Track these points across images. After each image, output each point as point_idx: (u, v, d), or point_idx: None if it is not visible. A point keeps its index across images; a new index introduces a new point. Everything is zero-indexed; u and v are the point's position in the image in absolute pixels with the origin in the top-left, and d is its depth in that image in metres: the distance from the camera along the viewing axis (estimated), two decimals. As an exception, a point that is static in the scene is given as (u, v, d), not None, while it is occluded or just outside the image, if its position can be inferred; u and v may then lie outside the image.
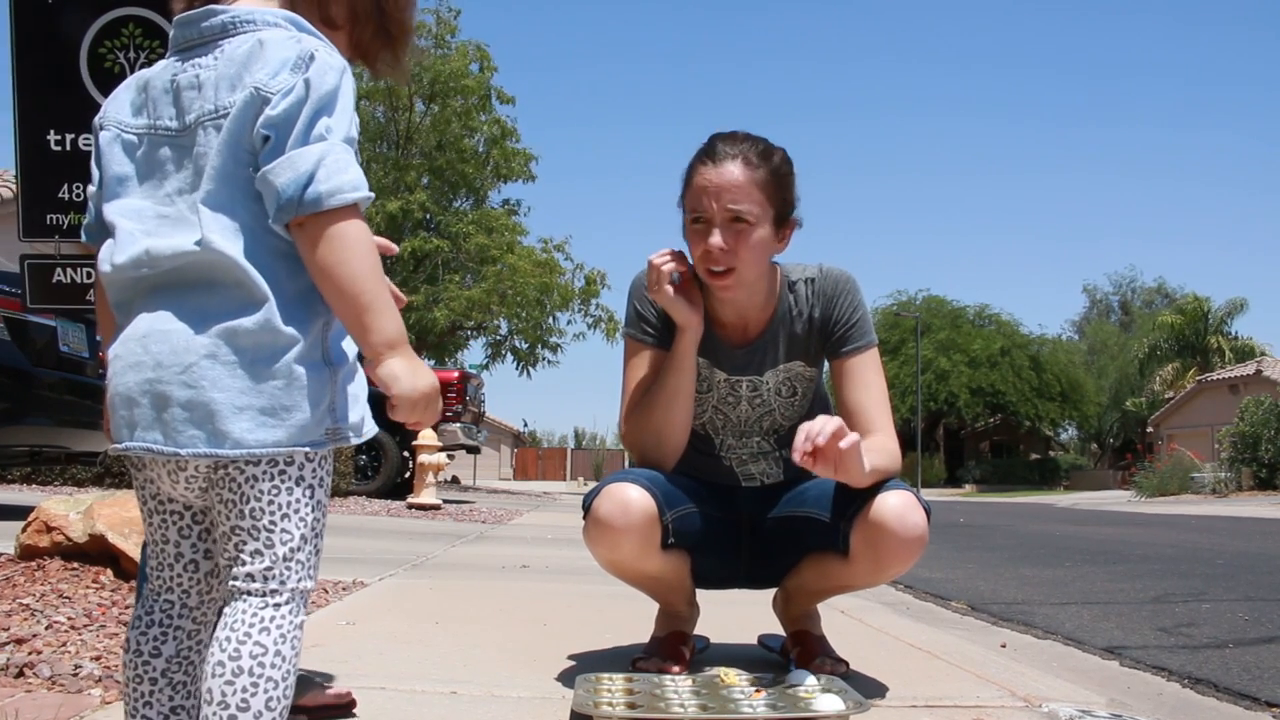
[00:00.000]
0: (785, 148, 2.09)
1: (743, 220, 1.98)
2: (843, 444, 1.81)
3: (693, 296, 2.08)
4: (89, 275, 2.96)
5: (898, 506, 1.93)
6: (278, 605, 1.13)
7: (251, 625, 1.11)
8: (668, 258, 2.05)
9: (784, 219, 2.05)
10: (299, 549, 1.15)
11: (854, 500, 1.98)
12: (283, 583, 1.14)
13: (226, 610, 1.14)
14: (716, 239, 1.98)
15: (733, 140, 2.04)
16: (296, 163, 1.09)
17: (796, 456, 1.81)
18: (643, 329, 2.15)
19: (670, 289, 2.04)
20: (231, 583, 1.14)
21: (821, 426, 1.81)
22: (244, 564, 1.13)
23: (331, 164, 1.10)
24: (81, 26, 2.81)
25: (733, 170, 1.99)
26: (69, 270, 2.97)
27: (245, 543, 1.14)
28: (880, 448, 2.00)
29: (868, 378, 2.10)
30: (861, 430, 2.04)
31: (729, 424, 2.18)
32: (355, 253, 1.11)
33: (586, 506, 2.04)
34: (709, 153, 2.03)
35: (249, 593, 1.13)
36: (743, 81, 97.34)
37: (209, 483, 1.15)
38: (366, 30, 1.29)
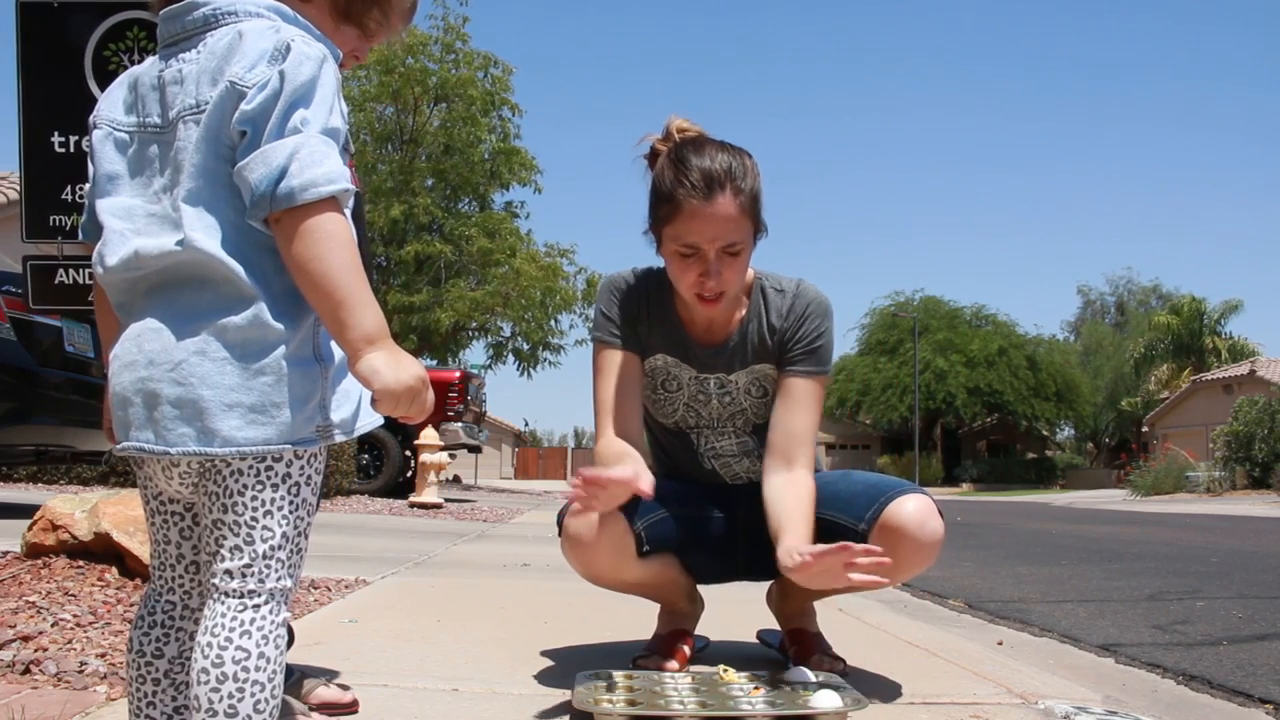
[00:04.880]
0: (750, 150, 2.02)
1: (734, 252, 1.96)
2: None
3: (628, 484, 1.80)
4: (91, 276, 2.97)
5: (918, 512, 1.95)
6: (256, 607, 1.12)
7: (232, 630, 1.10)
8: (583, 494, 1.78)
9: (758, 230, 2.03)
10: (279, 547, 1.13)
11: (870, 504, 2.00)
12: (261, 581, 1.12)
13: (206, 613, 1.12)
14: (714, 282, 1.95)
15: (710, 161, 1.94)
16: (269, 157, 1.07)
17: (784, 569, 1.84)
18: (610, 331, 2.12)
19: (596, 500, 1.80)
20: (210, 580, 1.13)
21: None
22: (223, 560, 1.12)
23: (305, 157, 1.07)
24: (86, 30, 2.83)
25: (724, 204, 1.92)
26: (71, 271, 2.98)
27: (225, 538, 1.12)
28: (801, 493, 1.98)
29: (806, 404, 2.08)
30: (780, 455, 2.04)
31: (701, 421, 2.19)
32: (330, 247, 1.08)
33: (559, 522, 2.06)
34: (693, 182, 1.92)
35: (227, 593, 1.12)
36: (743, 82, 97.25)
37: (200, 478, 1.14)
38: None
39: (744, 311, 2.12)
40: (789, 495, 1.98)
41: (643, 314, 2.13)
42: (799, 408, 2.08)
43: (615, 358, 2.12)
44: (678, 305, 2.13)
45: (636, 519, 2.02)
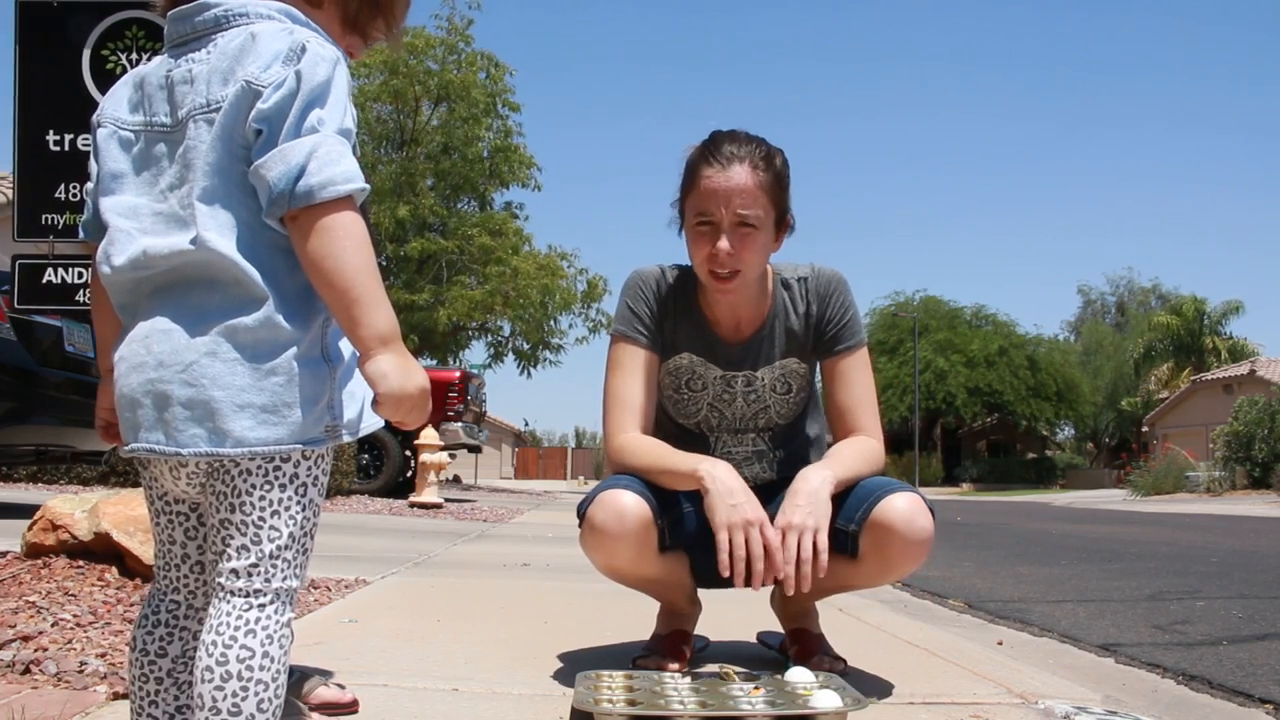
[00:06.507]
0: (783, 149, 2.09)
1: (749, 225, 1.99)
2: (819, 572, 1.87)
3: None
4: (80, 275, 2.95)
5: (905, 510, 1.95)
6: (262, 606, 1.12)
7: (237, 628, 1.10)
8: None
9: (782, 220, 2.07)
10: (286, 547, 1.14)
11: (860, 505, 2.00)
12: (267, 581, 1.13)
13: (211, 611, 1.13)
14: (725, 244, 1.98)
15: (736, 141, 2.02)
16: (288, 156, 1.08)
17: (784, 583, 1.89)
18: (635, 327, 2.12)
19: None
20: (216, 579, 1.14)
21: (802, 570, 1.86)
22: (229, 559, 1.13)
23: (323, 156, 1.08)
24: (85, 29, 2.82)
25: (740, 174, 1.98)
26: (60, 271, 2.96)
27: (233, 537, 1.13)
28: (863, 450, 2.08)
29: (857, 377, 2.15)
30: (848, 429, 2.14)
31: (724, 422, 2.19)
32: (346, 245, 1.09)
33: (581, 514, 2.05)
34: (715, 155, 2.00)
35: (233, 592, 1.12)
36: (743, 83, 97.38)
37: (208, 478, 1.15)
38: (353, 2, 1.28)
39: (769, 304, 2.15)
40: (841, 443, 2.11)
41: (669, 310, 2.14)
42: (852, 382, 2.15)
43: (638, 355, 2.12)
44: (704, 303, 2.14)
45: (661, 515, 2.02)
